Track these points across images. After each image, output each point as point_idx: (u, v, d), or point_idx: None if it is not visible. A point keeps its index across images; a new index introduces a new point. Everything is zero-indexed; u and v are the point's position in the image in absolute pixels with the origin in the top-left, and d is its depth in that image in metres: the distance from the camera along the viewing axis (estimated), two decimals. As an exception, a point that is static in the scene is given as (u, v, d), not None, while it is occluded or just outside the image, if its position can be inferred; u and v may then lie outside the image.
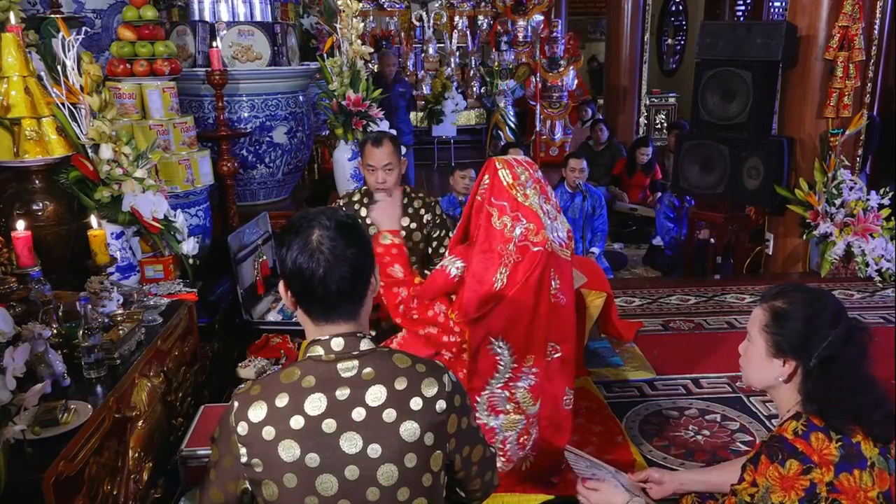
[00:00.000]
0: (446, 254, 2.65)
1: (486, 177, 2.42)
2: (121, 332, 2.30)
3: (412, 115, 9.23)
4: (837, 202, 4.91)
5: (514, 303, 2.33)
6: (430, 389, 1.37)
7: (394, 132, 4.97)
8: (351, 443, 1.32)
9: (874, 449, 1.51)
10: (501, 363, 2.40)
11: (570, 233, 2.60)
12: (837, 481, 1.47)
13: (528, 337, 2.41)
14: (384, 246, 2.91)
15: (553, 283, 2.40)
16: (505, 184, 2.37)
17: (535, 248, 2.31)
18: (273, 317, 3.58)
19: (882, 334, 3.82)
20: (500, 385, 2.42)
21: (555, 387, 2.53)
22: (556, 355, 2.49)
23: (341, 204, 3.28)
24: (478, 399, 2.42)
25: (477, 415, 2.38)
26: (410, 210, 3.18)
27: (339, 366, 1.36)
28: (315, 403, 1.33)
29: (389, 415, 1.33)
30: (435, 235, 3.20)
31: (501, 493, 2.52)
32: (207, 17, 4.69)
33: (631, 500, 1.82)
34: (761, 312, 1.63)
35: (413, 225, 3.17)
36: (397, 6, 10.88)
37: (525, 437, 2.51)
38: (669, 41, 12.52)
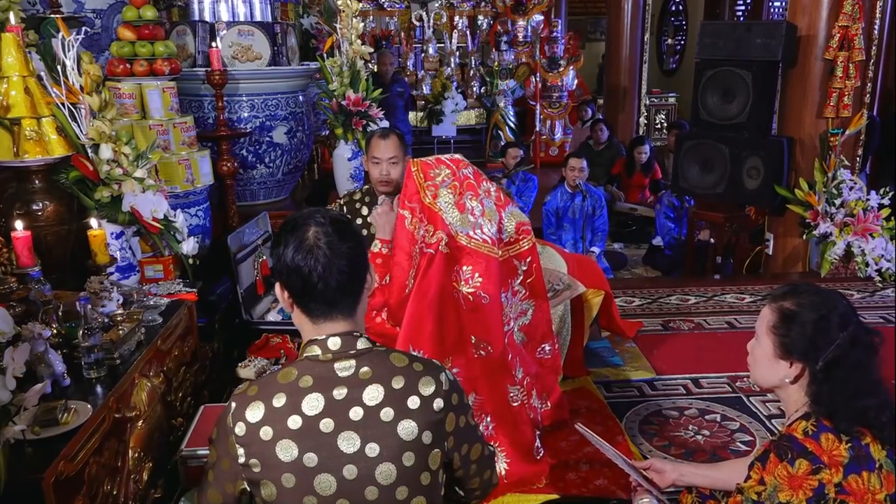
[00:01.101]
0: None
1: (403, 179, 2.45)
2: (121, 332, 2.30)
3: (412, 115, 9.23)
4: (837, 202, 4.91)
5: (410, 309, 2.32)
6: (427, 388, 1.37)
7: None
8: (349, 442, 1.32)
9: (882, 451, 1.51)
10: None
11: (520, 227, 2.56)
12: (846, 482, 1.46)
13: (438, 340, 2.38)
14: (371, 252, 2.89)
15: (473, 281, 2.38)
16: (416, 185, 2.38)
17: (428, 251, 2.31)
18: (273, 317, 3.58)
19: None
20: None
21: (493, 385, 2.51)
22: (484, 354, 2.47)
23: (342, 203, 3.28)
24: None
25: None
26: None
27: (337, 365, 1.36)
28: (313, 403, 1.33)
29: (387, 414, 1.33)
30: None
31: (500, 495, 2.53)
32: (207, 17, 4.69)
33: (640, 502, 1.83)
34: (769, 312, 1.62)
35: None
36: (397, 6, 10.87)
37: None
38: (669, 41, 12.52)
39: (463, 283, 2.39)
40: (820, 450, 1.48)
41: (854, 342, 1.53)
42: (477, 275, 2.39)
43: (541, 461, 2.69)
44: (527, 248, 2.55)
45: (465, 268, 2.36)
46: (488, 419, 2.54)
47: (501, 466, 2.56)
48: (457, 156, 2.55)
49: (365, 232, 3.13)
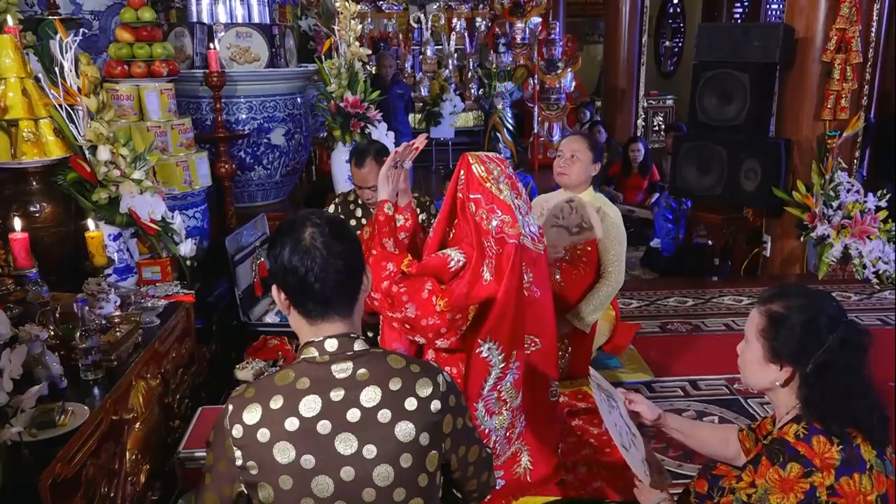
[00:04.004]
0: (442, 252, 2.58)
1: (462, 172, 2.43)
2: (118, 333, 2.30)
3: (410, 116, 9.25)
4: (835, 204, 4.92)
5: (499, 300, 2.33)
6: (424, 390, 1.37)
7: (392, 134, 4.97)
8: (346, 444, 1.32)
9: (872, 451, 1.51)
10: (492, 364, 2.40)
11: (541, 228, 2.61)
12: (838, 485, 1.46)
13: (512, 333, 2.41)
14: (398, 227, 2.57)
15: (526, 276, 2.41)
16: (478, 177, 2.38)
17: (510, 241, 2.32)
18: (271, 318, 3.58)
19: (880, 336, 3.82)
20: (490, 387, 2.43)
21: (537, 379, 2.54)
22: (535, 348, 2.51)
23: (336, 203, 3.28)
24: (476, 406, 2.42)
25: (478, 423, 2.39)
26: None
27: (334, 367, 1.36)
28: (310, 405, 1.33)
29: (384, 415, 1.33)
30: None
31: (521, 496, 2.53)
32: (205, 18, 4.69)
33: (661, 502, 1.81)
34: (758, 316, 1.61)
35: (407, 224, 3.15)
36: (395, 8, 10.88)
37: (511, 430, 2.52)
38: (667, 43, 12.54)
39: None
40: (812, 453, 1.48)
41: (843, 344, 1.52)
42: (530, 270, 2.42)
43: (560, 457, 2.71)
44: (543, 249, 2.57)
45: (521, 263, 2.39)
46: (522, 417, 2.56)
47: (525, 466, 2.57)
48: (498, 155, 2.56)
49: (359, 233, 3.13)
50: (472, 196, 2.38)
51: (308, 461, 1.31)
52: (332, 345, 1.38)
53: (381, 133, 4.85)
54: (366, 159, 3.00)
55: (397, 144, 3.22)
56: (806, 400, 1.55)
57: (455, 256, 2.40)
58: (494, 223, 2.33)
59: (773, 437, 1.58)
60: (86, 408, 1.95)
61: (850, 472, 1.47)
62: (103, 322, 2.34)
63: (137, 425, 2.27)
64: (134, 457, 2.22)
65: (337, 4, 4.75)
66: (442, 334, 2.29)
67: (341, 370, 1.36)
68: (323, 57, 4.83)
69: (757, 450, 1.59)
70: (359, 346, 1.40)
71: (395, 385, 1.36)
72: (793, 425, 1.54)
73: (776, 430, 1.60)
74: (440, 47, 10.84)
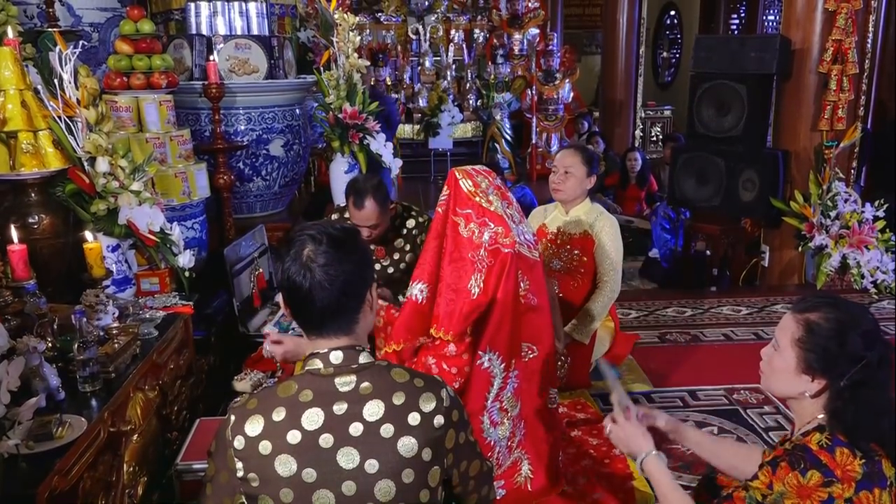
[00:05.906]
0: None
1: (446, 188, 2.44)
2: (116, 345, 2.29)
3: (409, 127, 9.26)
4: (832, 214, 4.93)
5: (495, 309, 2.34)
6: (428, 404, 1.37)
7: (390, 144, 4.97)
8: (348, 458, 1.32)
9: (892, 468, 1.49)
10: (494, 374, 2.40)
11: (535, 235, 2.63)
12: (857, 498, 1.45)
13: (510, 341, 2.42)
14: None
15: (522, 284, 2.42)
16: (466, 192, 2.39)
17: (506, 251, 2.33)
18: (270, 329, 3.57)
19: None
20: (493, 398, 2.43)
21: (535, 386, 2.54)
22: (533, 355, 2.52)
23: (334, 218, 3.27)
24: (482, 419, 2.42)
25: (483, 435, 2.39)
26: (404, 231, 3.12)
27: (337, 380, 1.36)
28: (312, 418, 1.32)
29: (387, 430, 1.33)
30: None
31: None
32: (204, 30, 4.70)
33: (651, 452, 1.79)
34: (794, 324, 1.58)
35: (407, 246, 3.11)
36: (394, 19, 10.92)
37: (511, 440, 2.52)
38: (665, 54, 12.60)
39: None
40: (834, 463, 1.47)
41: (881, 361, 1.50)
42: (527, 277, 2.43)
43: (562, 466, 2.71)
44: (539, 256, 2.58)
45: (517, 271, 2.39)
46: (522, 425, 2.55)
47: (525, 475, 2.56)
48: (480, 166, 2.57)
49: None
50: (461, 212, 2.38)
51: (309, 475, 1.30)
52: (336, 357, 1.38)
53: (380, 144, 4.86)
54: (365, 199, 2.84)
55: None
56: (835, 413, 1.53)
57: (415, 291, 2.39)
58: (487, 236, 2.34)
59: (794, 444, 1.56)
60: (83, 420, 1.95)
61: (870, 486, 1.46)
62: (101, 333, 2.34)
63: (135, 437, 2.26)
64: (131, 469, 2.21)
65: (336, 16, 4.76)
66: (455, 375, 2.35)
67: (345, 383, 1.36)
68: (322, 68, 4.84)
69: (777, 453, 1.58)
70: (363, 359, 1.39)
71: (398, 399, 1.35)
72: (815, 434, 1.53)
73: (798, 437, 1.59)
74: (438, 58, 10.87)
